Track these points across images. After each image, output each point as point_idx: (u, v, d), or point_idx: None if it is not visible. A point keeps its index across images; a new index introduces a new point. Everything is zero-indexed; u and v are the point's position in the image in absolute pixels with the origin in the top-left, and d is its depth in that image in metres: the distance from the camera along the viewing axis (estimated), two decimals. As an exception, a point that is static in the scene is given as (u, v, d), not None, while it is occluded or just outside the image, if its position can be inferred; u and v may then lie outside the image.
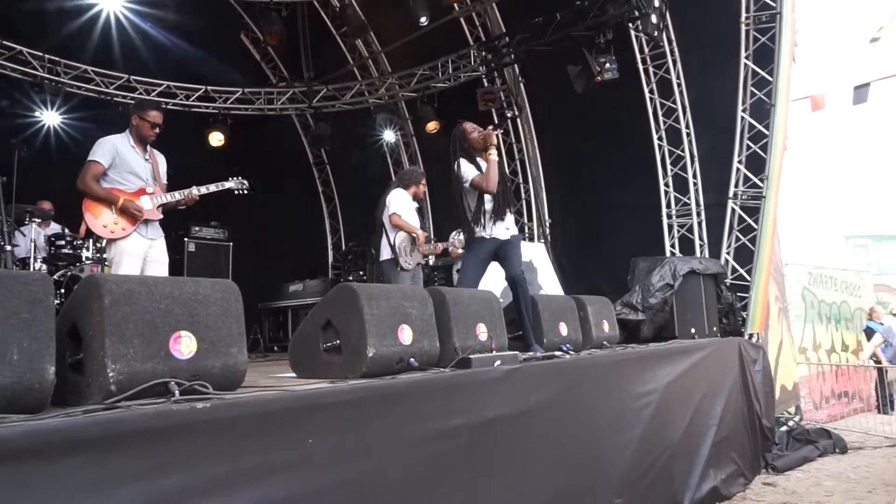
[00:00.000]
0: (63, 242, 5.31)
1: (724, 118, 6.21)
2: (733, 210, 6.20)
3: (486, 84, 7.94)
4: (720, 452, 4.26)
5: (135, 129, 3.82)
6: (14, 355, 1.48)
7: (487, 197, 3.77)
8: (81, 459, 1.36)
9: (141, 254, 3.72)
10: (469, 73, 7.94)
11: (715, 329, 5.51)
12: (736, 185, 6.19)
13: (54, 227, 5.80)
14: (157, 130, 3.86)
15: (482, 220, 3.76)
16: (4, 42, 6.91)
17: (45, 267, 5.15)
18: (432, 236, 8.18)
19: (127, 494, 1.42)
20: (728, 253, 6.23)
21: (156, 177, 3.90)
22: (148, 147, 3.89)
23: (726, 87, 6.18)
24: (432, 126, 8.19)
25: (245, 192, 4.27)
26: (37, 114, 6.95)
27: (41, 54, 7.18)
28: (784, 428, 5.69)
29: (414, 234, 5.01)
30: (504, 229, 3.81)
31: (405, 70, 8.45)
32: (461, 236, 6.37)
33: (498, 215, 3.79)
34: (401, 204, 5.03)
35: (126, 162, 3.74)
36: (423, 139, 8.77)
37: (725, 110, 6.20)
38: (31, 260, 5.07)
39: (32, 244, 5.15)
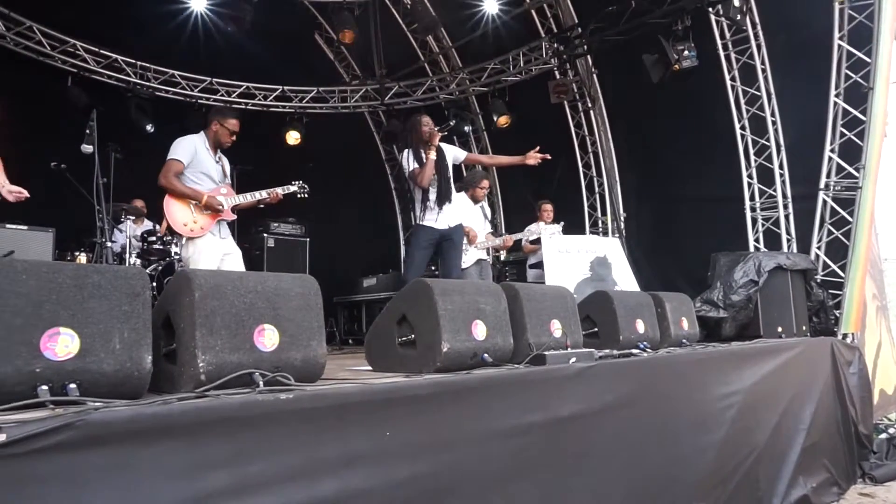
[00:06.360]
0: (154, 238, 5.66)
1: (814, 104, 5.82)
2: (825, 202, 5.82)
3: (557, 76, 7.81)
4: (811, 459, 4.03)
5: (212, 133, 3.94)
6: (117, 344, 1.59)
7: (431, 188, 4.13)
8: (176, 443, 1.43)
9: (217, 252, 3.87)
10: (541, 65, 7.83)
11: (804, 328, 5.21)
12: (828, 176, 5.80)
13: (147, 224, 6.17)
14: (234, 138, 3.99)
15: (424, 209, 4.15)
16: (102, 51, 7.41)
17: (138, 262, 5.49)
18: (503, 232, 8.13)
19: (217, 478, 1.48)
20: (819, 247, 5.86)
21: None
22: (218, 150, 4.04)
23: (817, 71, 5.79)
24: (503, 120, 8.14)
25: (306, 195, 4.41)
26: (129, 117, 7.39)
27: (134, 61, 7.65)
28: (884, 435, 5.30)
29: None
30: (443, 220, 4.16)
31: (476, 64, 8.43)
32: (534, 230, 6.32)
33: (439, 206, 4.16)
34: None
35: (201, 162, 3.87)
36: (494, 134, 8.73)
37: (816, 96, 5.81)
38: (127, 255, 5.41)
39: (128, 240, 5.49)
